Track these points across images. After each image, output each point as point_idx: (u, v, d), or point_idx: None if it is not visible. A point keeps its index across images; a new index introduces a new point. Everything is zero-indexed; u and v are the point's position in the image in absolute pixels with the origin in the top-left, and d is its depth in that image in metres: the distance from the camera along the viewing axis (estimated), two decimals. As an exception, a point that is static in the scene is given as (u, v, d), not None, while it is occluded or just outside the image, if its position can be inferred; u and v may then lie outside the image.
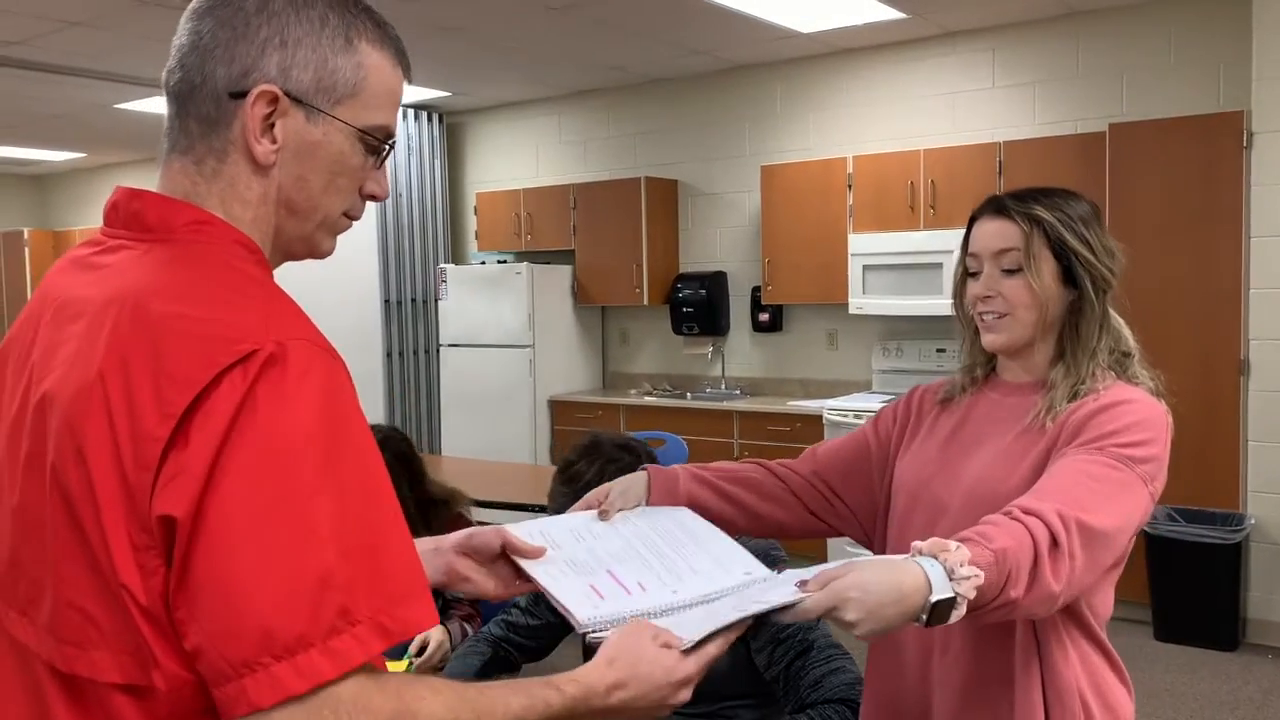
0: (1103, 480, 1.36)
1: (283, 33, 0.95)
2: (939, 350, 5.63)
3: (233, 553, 0.80)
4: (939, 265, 5.18)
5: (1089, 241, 1.54)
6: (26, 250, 10.07)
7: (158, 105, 7.89)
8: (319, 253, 1.05)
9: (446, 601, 2.55)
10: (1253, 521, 4.47)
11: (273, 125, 0.96)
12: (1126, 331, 1.59)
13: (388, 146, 1.04)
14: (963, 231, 1.64)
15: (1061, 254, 1.53)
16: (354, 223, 1.06)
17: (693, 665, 1.05)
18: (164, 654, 0.83)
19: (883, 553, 1.68)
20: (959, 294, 1.64)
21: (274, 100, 0.95)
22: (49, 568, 0.89)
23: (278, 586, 0.80)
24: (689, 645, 1.05)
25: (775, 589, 1.19)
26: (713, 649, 1.07)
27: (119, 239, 0.98)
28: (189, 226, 0.95)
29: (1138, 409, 1.46)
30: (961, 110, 5.62)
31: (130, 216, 0.98)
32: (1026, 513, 1.27)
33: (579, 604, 1.19)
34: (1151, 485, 1.41)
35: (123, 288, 0.90)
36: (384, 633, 0.83)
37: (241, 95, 0.95)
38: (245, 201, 0.97)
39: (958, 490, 1.56)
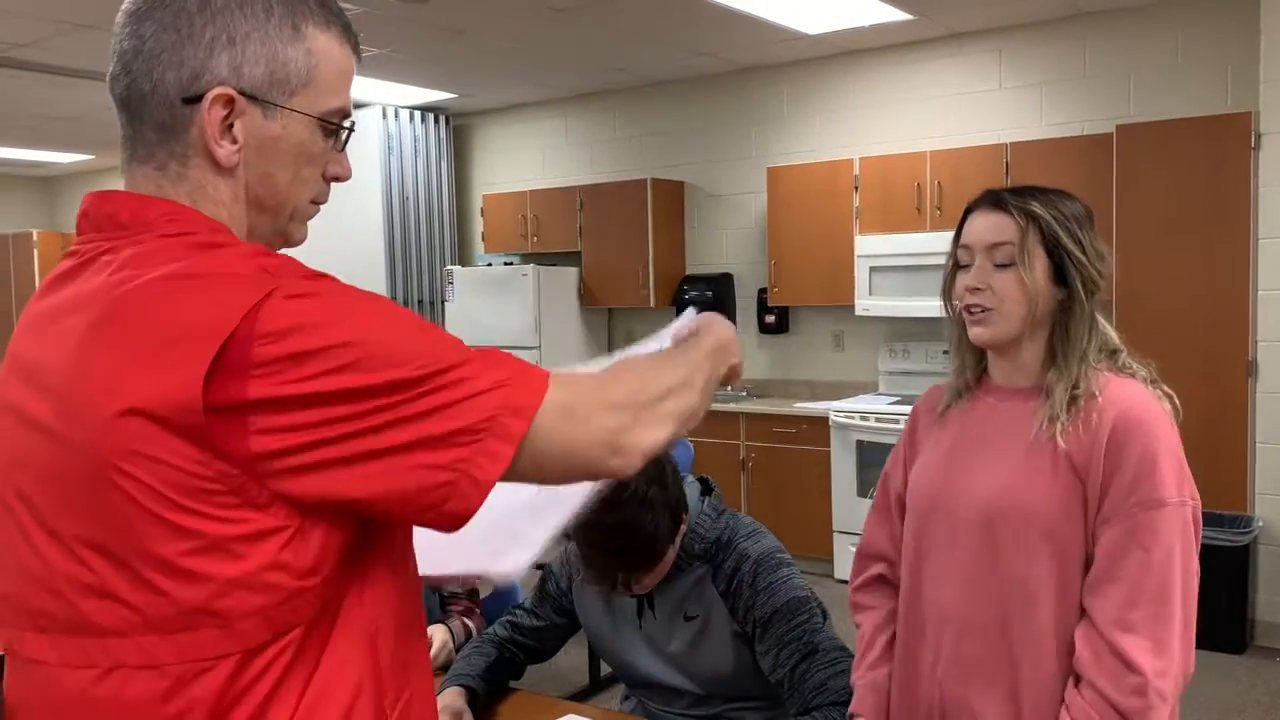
0: (1147, 583, 1.44)
1: (229, 30, 0.93)
2: (945, 352, 5.58)
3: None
4: (945, 267, 5.17)
5: (1081, 242, 1.56)
6: (35, 251, 10.09)
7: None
8: (292, 243, 1.05)
9: (444, 599, 2.55)
10: (1260, 524, 4.46)
11: (231, 126, 0.94)
12: (1111, 331, 1.62)
13: (347, 128, 1.02)
14: None
15: (1054, 252, 1.55)
16: (321, 207, 1.06)
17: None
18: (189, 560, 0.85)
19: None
20: (948, 288, 1.65)
21: (229, 102, 0.93)
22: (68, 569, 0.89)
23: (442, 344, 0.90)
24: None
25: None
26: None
27: (95, 244, 0.96)
28: (164, 217, 0.94)
29: (1149, 443, 1.48)
30: (968, 111, 5.61)
31: (103, 219, 0.96)
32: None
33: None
34: (1187, 507, 1.48)
35: (113, 279, 0.90)
36: (527, 366, 0.95)
37: (195, 100, 0.93)
38: (217, 202, 0.96)
39: (971, 503, 1.58)
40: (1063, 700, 1.49)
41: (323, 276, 0.92)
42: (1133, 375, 1.57)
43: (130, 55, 0.94)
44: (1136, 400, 1.52)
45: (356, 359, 0.85)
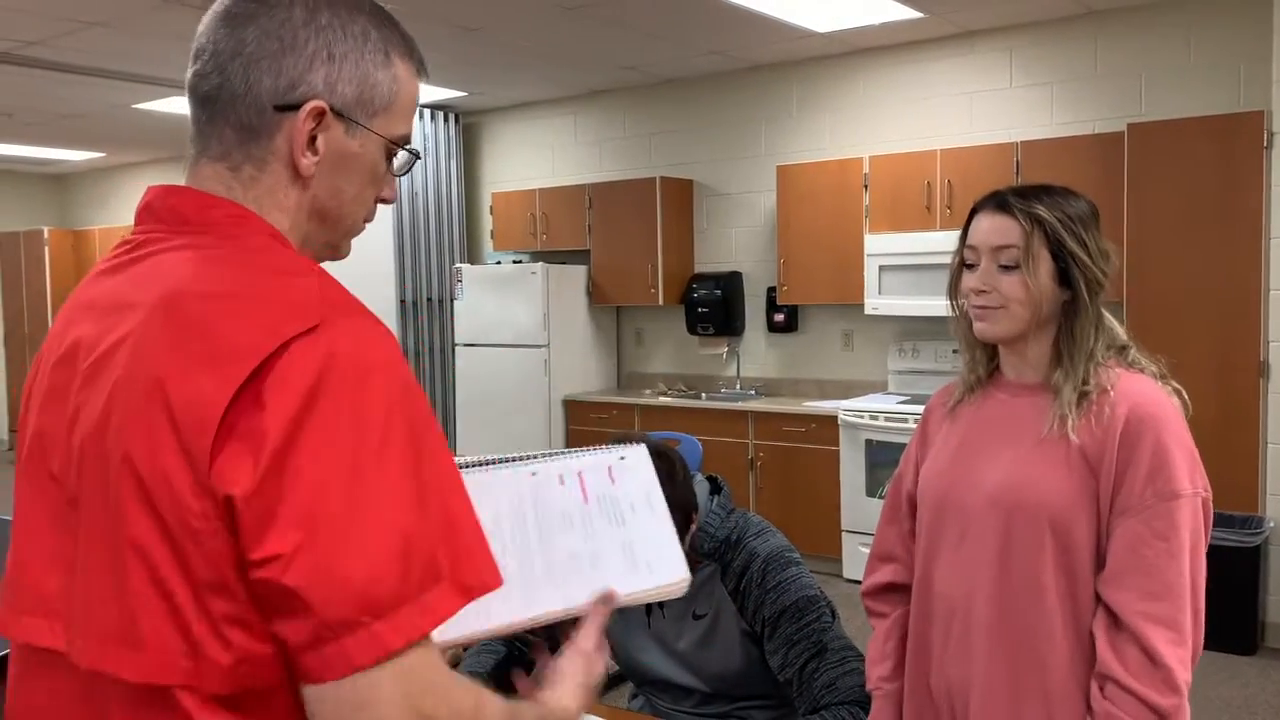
0: (1166, 574, 1.47)
1: (330, 47, 0.97)
2: (955, 351, 5.59)
3: (323, 516, 0.80)
4: (955, 266, 5.16)
5: (1086, 244, 1.57)
6: (47, 249, 10.13)
7: (176, 105, 7.91)
8: (338, 256, 1.08)
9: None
10: (1272, 524, 4.44)
11: (314, 138, 0.97)
12: (1118, 327, 1.63)
13: (413, 154, 1.07)
14: None
15: (1059, 255, 1.56)
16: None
17: (600, 653, 1.15)
18: (229, 629, 0.83)
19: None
20: (954, 286, 1.66)
21: (321, 115, 0.96)
22: (84, 564, 0.89)
23: (372, 546, 0.81)
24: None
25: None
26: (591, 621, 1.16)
27: (153, 234, 0.98)
28: (228, 219, 0.96)
29: (1161, 436, 1.50)
30: (979, 110, 5.60)
31: (167, 211, 0.98)
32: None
33: None
34: (1199, 498, 1.50)
35: (175, 283, 0.90)
36: (464, 589, 0.85)
37: (287, 108, 0.96)
38: (283, 209, 0.99)
39: (980, 495, 1.61)
40: (1077, 693, 1.52)
41: (377, 336, 0.90)
42: (1142, 371, 1.59)
43: (227, 56, 0.96)
44: (1148, 394, 1.54)
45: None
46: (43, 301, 10.08)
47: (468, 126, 7.66)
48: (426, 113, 7.27)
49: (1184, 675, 1.46)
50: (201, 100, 0.99)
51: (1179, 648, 1.46)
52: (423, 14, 4.94)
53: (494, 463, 1.23)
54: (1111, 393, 1.53)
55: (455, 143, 7.49)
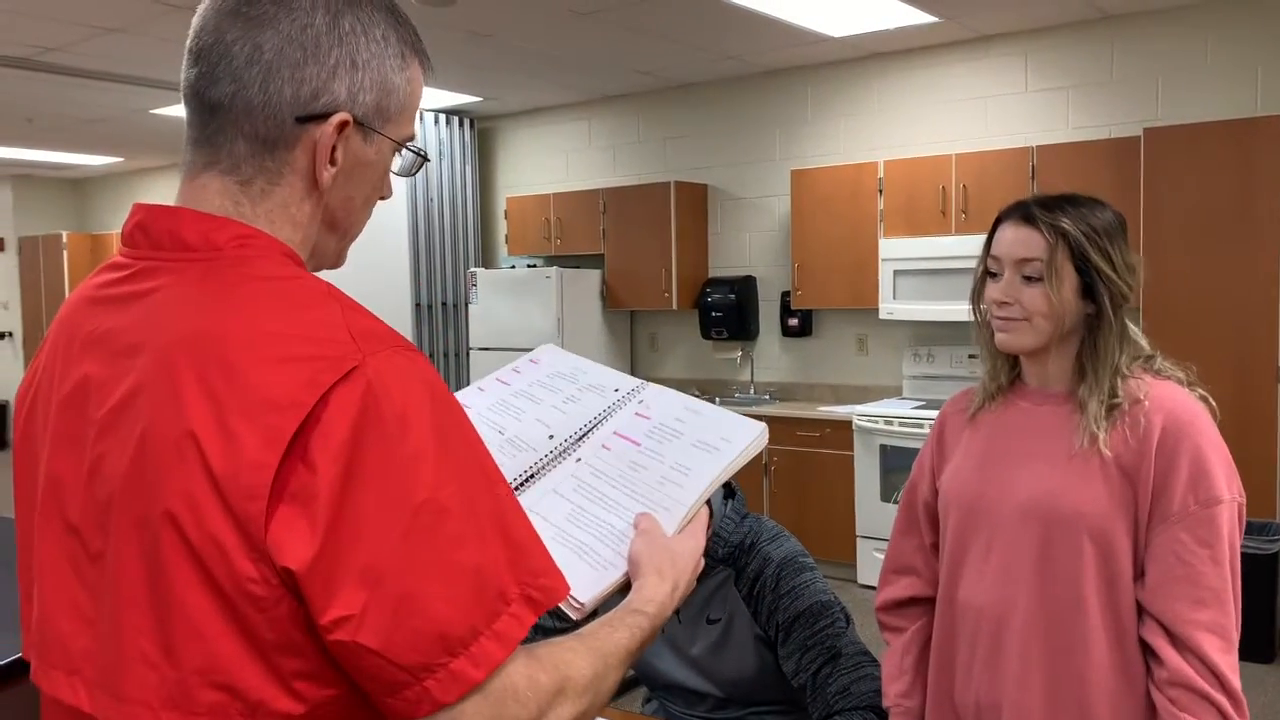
0: (1212, 581, 1.46)
1: (353, 55, 0.92)
2: (970, 356, 5.59)
3: (387, 570, 0.79)
4: (970, 270, 5.11)
5: (1111, 258, 1.54)
6: (65, 253, 10.22)
7: (193, 110, 7.88)
8: (341, 264, 1.04)
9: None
10: (1290, 531, 4.41)
11: (335, 148, 0.93)
12: (1142, 338, 1.61)
13: (421, 155, 1.03)
14: None
15: (1083, 269, 1.54)
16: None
17: (702, 537, 1.15)
18: (299, 683, 0.82)
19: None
20: (977, 294, 1.64)
21: (344, 126, 0.92)
22: (114, 623, 0.86)
23: (439, 589, 0.80)
24: (679, 528, 1.15)
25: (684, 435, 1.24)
26: (698, 516, 1.17)
27: (152, 262, 0.91)
28: (234, 242, 0.90)
29: (1199, 443, 1.49)
30: (994, 114, 5.58)
31: (164, 235, 0.91)
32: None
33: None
34: (1235, 504, 1.49)
35: (190, 325, 0.85)
36: (533, 604, 0.85)
37: (309, 119, 0.91)
38: (296, 223, 0.94)
39: (1011, 506, 1.59)
40: (1115, 707, 1.51)
41: (412, 367, 0.86)
42: (1169, 378, 1.58)
43: (242, 63, 0.89)
44: (1182, 402, 1.52)
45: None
46: (61, 305, 10.16)
47: (482, 131, 7.68)
48: (441, 118, 7.29)
49: (1236, 681, 1.46)
50: (210, 107, 0.91)
51: (1228, 654, 1.46)
52: (437, 20, 4.95)
53: (527, 452, 1.24)
54: (1145, 402, 1.51)
55: (470, 148, 7.51)
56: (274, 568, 0.79)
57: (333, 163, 0.93)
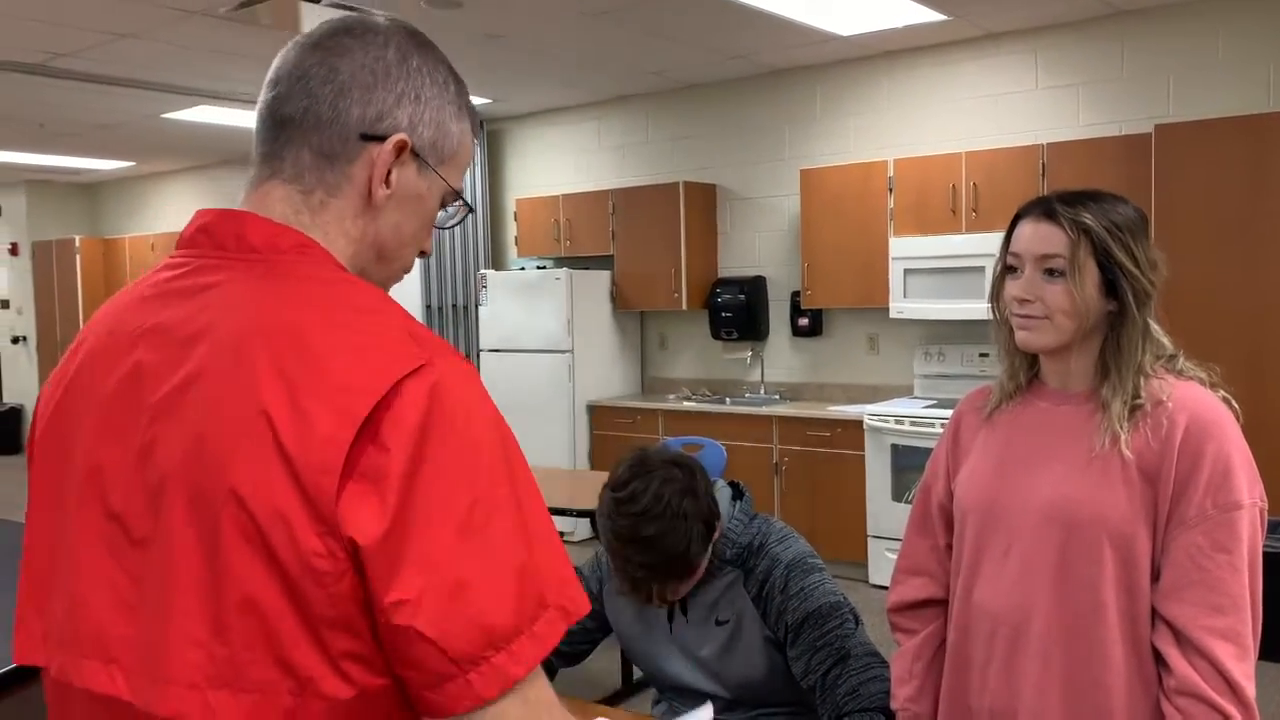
0: (1229, 587, 1.44)
1: (418, 89, 1.00)
2: (981, 355, 5.57)
3: (445, 558, 0.83)
4: (981, 269, 5.13)
5: (1134, 254, 1.52)
6: (78, 258, 10.28)
7: (204, 115, 7.98)
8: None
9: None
10: (1305, 530, 4.38)
11: (389, 171, 0.99)
12: (1165, 336, 1.58)
13: (468, 207, 1.11)
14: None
15: (1106, 265, 1.51)
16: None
17: None
18: (349, 664, 0.84)
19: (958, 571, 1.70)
20: (996, 292, 1.62)
21: (402, 150, 0.99)
22: (160, 606, 0.87)
23: (491, 583, 0.84)
24: None
25: None
26: None
27: (212, 260, 0.96)
28: (295, 248, 0.96)
29: (1223, 446, 1.47)
30: (1004, 112, 5.56)
31: (229, 237, 0.97)
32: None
33: None
34: (1257, 508, 1.47)
35: (262, 315, 0.90)
36: (565, 614, 0.88)
37: (372, 138, 0.98)
38: (349, 237, 1.00)
39: (1030, 509, 1.56)
40: (1134, 714, 1.49)
41: (470, 371, 0.92)
42: (1191, 379, 1.55)
43: (318, 82, 0.98)
44: (1205, 404, 1.50)
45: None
46: (74, 309, 10.22)
47: (492, 133, 7.70)
48: (451, 120, 7.31)
49: (1251, 690, 1.43)
50: (280, 122, 0.99)
51: (1243, 662, 1.43)
52: (446, 21, 4.96)
53: None
54: (1168, 403, 1.49)
55: (480, 149, 7.52)
56: (341, 542, 0.82)
57: (387, 184, 0.99)
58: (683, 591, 1.95)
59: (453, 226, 1.10)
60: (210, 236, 0.98)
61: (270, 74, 1.01)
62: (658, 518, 1.82)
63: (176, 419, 0.88)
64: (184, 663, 0.85)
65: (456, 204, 1.08)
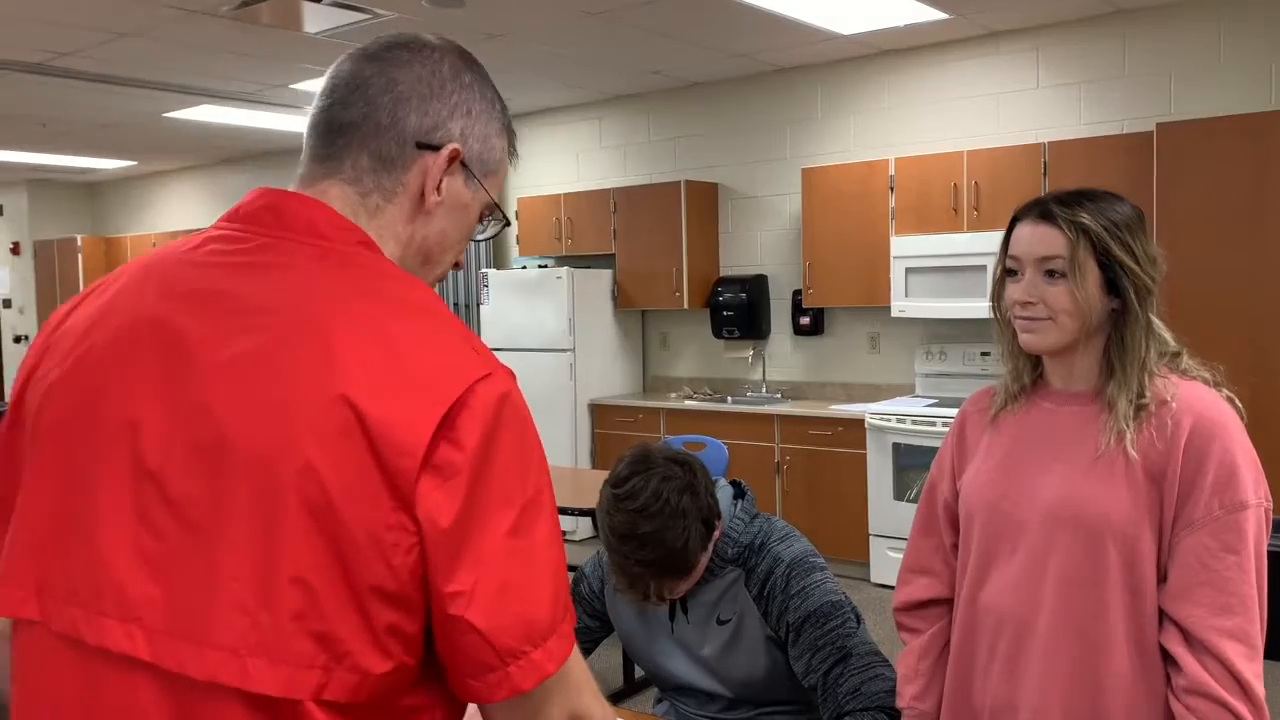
0: (1237, 587, 1.44)
1: (469, 104, 1.07)
2: (983, 354, 5.57)
3: (500, 554, 0.89)
4: (983, 267, 5.13)
5: (1133, 250, 1.52)
6: (79, 257, 10.28)
7: (205, 114, 7.98)
8: None
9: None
10: (1307, 528, 4.37)
11: (441, 179, 1.05)
12: (1168, 333, 1.57)
13: (503, 222, 1.16)
14: None
15: (1106, 263, 1.51)
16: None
17: None
18: (390, 640, 0.88)
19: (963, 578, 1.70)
20: (997, 294, 1.62)
21: (454, 159, 1.05)
22: (205, 568, 0.87)
23: (536, 582, 0.91)
24: None
25: None
26: None
27: (275, 238, 0.99)
28: (359, 244, 1.00)
29: (1228, 446, 1.47)
30: (1005, 111, 5.56)
31: (299, 220, 1.00)
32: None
33: None
34: (1262, 508, 1.47)
35: (338, 300, 0.93)
36: (572, 615, 0.96)
37: (427, 147, 1.04)
38: (399, 240, 1.05)
39: (1035, 509, 1.56)
40: (1134, 716, 1.49)
41: (515, 383, 0.98)
42: (1195, 378, 1.55)
43: (377, 90, 1.03)
44: (1210, 404, 1.50)
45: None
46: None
47: (493, 132, 7.69)
48: (452, 119, 7.31)
49: (1261, 689, 1.44)
50: (339, 127, 1.03)
51: (1253, 662, 1.43)
52: (446, 21, 4.96)
53: None
54: (1173, 404, 1.49)
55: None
56: (415, 521, 0.87)
57: (438, 191, 1.05)
58: (681, 590, 1.95)
59: (489, 239, 1.15)
60: (277, 216, 1.00)
61: (325, 83, 1.06)
62: (656, 515, 1.82)
63: (241, 385, 0.90)
64: (227, 626, 0.86)
65: (493, 216, 1.13)
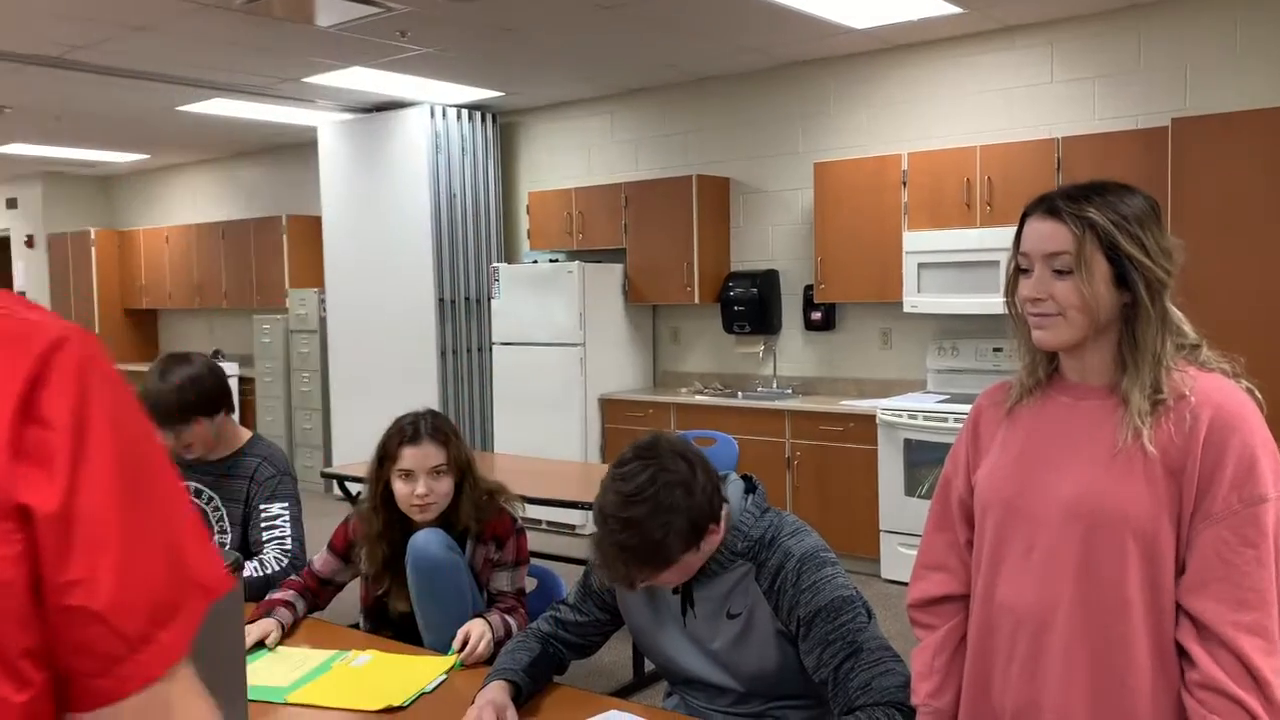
0: (1256, 582, 1.43)
1: None
2: (995, 349, 5.55)
3: (114, 533, 0.80)
4: (995, 263, 5.10)
5: (1144, 244, 1.50)
6: (93, 250, 10.32)
7: (217, 107, 8.02)
8: None
9: (491, 596, 2.57)
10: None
11: None
12: (1187, 325, 1.56)
13: None
14: None
15: (1114, 258, 1.50)
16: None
17: None
18: (25, 663, 0.79)
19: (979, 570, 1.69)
20: (1011, 290, 1.62)
21: None
22: None
23: (155, 556, 0.82)
24: None
25: None
26: None
27: None
28: None
29: (1248, 440, 1.45)
30: (1019, 106, 5.53)
31: None
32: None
33: None
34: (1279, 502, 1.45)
35: None
36: (207, 591, 0.86)
37: None
38: None
39: (1053, 504, 1.55)
40: (1159, 714, 1.48)
41: (103, 348, 0.89)
42: (1215, 370, 1.53)
43: None
44: (1229, 396, 1.48)
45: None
46: (90, 301, 10.27)
47: (504, 126, 7.70)
48: (463, 113, 7.31)
49: (1278, 685, 1.42)
50: None
51: (1272, 657, 1.42)
52: (459, 15, 4.96)
53: None
54: (1191, 397, 1.47)
55: (492, 143, 7.53)
56: (17, 523, 0.77)
57: None
58: (663, 581, 1.94)
59: None
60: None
61: None
62: (643, 502, 1.83)
63: None
64: None
65: None
